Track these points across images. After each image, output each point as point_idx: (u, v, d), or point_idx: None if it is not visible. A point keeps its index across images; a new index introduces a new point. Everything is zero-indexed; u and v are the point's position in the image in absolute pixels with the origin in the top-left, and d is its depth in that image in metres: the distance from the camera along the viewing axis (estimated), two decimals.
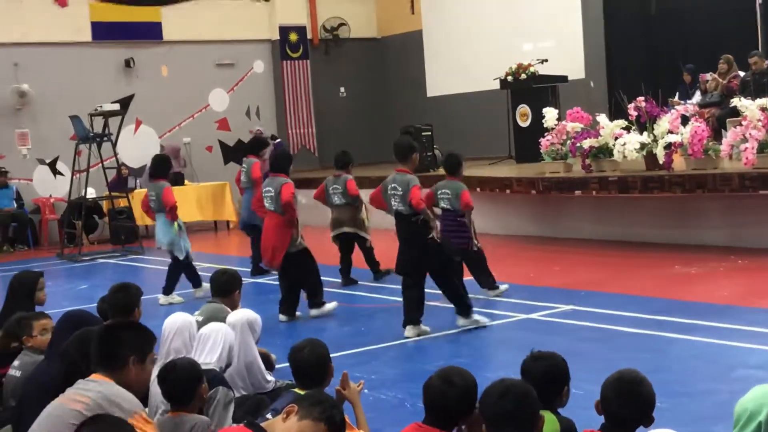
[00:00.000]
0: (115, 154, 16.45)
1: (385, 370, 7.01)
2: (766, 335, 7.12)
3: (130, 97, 19.38)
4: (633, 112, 12.02)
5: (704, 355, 6.80)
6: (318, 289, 9.08)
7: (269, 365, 6.72)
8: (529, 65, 16.31)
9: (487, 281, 9.42)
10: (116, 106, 15.97)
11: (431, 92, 21.11)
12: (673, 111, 11.59)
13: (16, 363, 5.66)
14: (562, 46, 18.07)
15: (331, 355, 4.67)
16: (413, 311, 7.91)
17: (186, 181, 18.81)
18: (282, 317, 9.05)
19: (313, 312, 9.01)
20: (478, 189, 14.19)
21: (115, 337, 3.96)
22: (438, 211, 9.46)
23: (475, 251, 9.28)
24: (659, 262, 10.79)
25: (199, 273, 10.67)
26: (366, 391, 5.80)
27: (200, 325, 6.29)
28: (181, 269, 10.48)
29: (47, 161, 17.70)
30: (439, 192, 9.41)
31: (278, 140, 19.64)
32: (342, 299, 9.71)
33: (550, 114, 13.38)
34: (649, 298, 8.83)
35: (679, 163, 11.65)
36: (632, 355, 6.83)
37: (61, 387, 4.34)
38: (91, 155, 17.01)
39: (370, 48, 22.29)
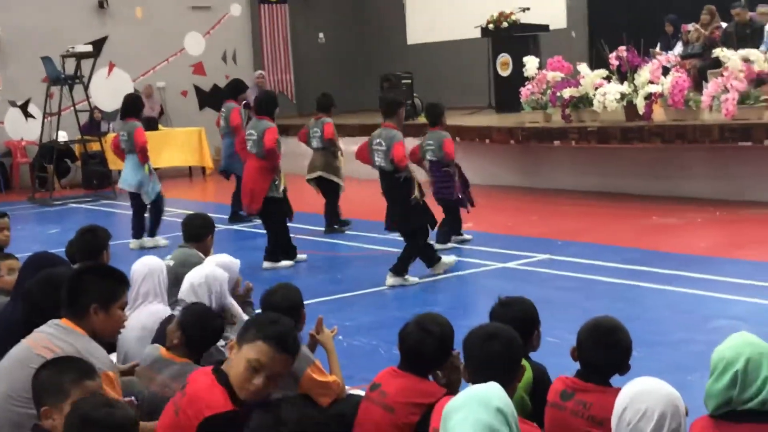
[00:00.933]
0: (88, 98, 16.15)
1: (359, 317, 6.91)
2: (744, 286, 7.07)
3: (104, 39, 18.83)
4: (614, 62, 11.90)
5: (681, 305, 6.76)
6: (279, 244, 8.92)
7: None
8: (511, 13, 16.10)
9: (447, 232, 9.34)
10: (89, 48, 15.66)
11: (411, 40, 20.86)
12: (654, 61, 11.47)
13: None
14: None
15: (306, 302, 4.57)
16: (401, 261, 7.83)
17: (160, 126, 18.55)
18: (266, 264, 8.89)
19: (266, 264, 8.86)
20: (457, 138, 13.95)
21: (79, 283, 3.82)
22: (426, 164, 9.34)
23: (455, 200, 9.18)
24: (638, 212, 10.73)
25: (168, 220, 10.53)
26: (340, 337, 5.73)
27: (171, 269, 6.18)
28: (146, 211, 10.27)
29: (18, 103, 17.36)
30: (424, 144, 9.29)
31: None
32: (321, 247, 9.61)
33: (530, 63, 13.23)
34: (627, 248, 8.77)
35: (659, 114, 11.56)
36: (608, 304, 6.75)
37: (25, 327, 4.23)
38: (63, 98, 16.77)
39: None
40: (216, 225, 6.46)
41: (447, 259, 8.14)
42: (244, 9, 20.47)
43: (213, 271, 5.06)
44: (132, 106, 10.38)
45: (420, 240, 7.88)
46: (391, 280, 7.75)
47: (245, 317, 5.74)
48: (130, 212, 10.61)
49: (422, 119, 16.01)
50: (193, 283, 4.99)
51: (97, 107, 18.24)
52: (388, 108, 7.90)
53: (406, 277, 7.81)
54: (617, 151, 12.04)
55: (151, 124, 18.79)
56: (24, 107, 17.21)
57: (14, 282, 5.35)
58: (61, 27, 18.08)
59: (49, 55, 15.63)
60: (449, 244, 9.30)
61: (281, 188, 8.90)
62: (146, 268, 5.55)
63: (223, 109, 11.92)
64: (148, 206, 10.19)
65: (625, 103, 11.74)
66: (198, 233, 6.45)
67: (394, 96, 8.17)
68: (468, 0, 18.76)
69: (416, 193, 7.68)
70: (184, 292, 5.09)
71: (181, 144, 18.15)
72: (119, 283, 3.93)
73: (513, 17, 16.00)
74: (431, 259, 8.04)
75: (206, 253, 6.50)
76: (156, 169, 18.50)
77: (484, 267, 8.38)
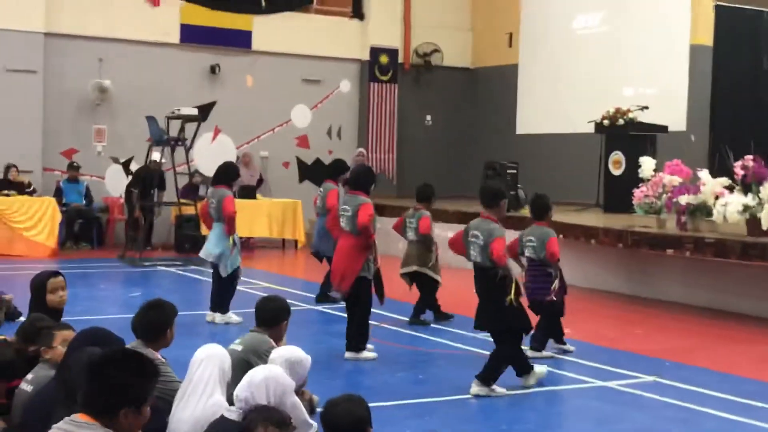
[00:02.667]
0: (188, 161, 15.97)
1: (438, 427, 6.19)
2: None
3: (212, 104, 18.81)
4: (739, 171, 11.08)
5: None
6: (364, 330, 8.30)
7: (310, 408, 6.00)
8: (628, 110, 15.44)
9: (550, 335, 8.58)
10: (194, 111, 15.50)
11: (521, 129, 20.28)
12: None
13: (29, 377, 5.06)
14: (665, 95, 17.11)
15: (382, 404, 3.93)
16: (489, 370, 7.10)
17: (258, 195, 18.29)
18: (348, 354, 8.27)
19: (348, 355, 8.23)
20: (561, 236, 13.25)
21: (108, 379, 3.25)
22: (524, 260, 8.68)
23: (551, 304, 8.45)
24: (754, 337, 9.82)
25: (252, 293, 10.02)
26: None
27: (238, 355, 5.64)
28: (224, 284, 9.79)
29: (121, 160, 17.34)
30: (525, 239, 8.63)
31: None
32: (402, 339, 8.97)
33: (647, 164, 12.51)
34: (742, 378, 7.89)
35: None
36: None
37: (65, 406, 3.75)
38: (165, 160, 16.71)
39: (462, 77, 21.58)
40: (301, 303, 5.96)
41: (539, 369, 7.39)
42: (353, 85, 20.27)
43: (276, 376, 4.47)
44: (224, 173, 9.99)
45: (512, 345, 7.17)
46: (476, 388, 7.03)
47: (310, 422, 5.14)
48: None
49: (525, 212, 15.39)
50: (252, 382, 4.41)
51: (198, 171, 18.13)
52: (490, 198, 7.26)
53: (494, 387, 7.08)
54: (735, 267, 11.13)
55: (249, 193, 18.59)
56: (126, 164, 17.15)
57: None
58: (172, 88, 18.11)
59: (155, 116, 15.50)
60: (545, 353, 8.54)
61: (372, 267, 8.33)
62: (205, 354, 5.00)
63: (321, 189, 11.45)
64: (221, 279, 9.70)
65: (747, 216, 10.90)
66: (272, 318, 5.89)
67: (497, 185, 7.52)
68: (584, 94, 18.17)
69: (512, 294, 6.99)
70: (242, 388, 4.51)
71: (276, 215, 17.82)
72: (153, 377, 3.36)
73: (630, 115, 15.34)
74: (523, 368, 7.30)
75: (278, 340, 5.96)
76: (249, 239, 18.57)
77: (581, 384, 7.59)
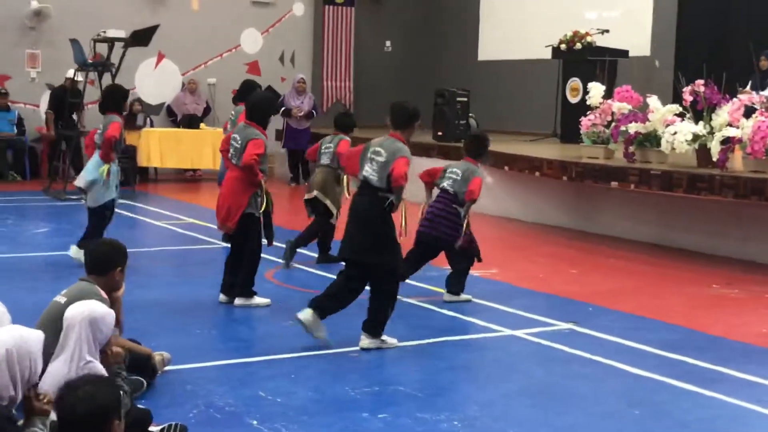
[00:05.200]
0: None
1: (297, 390, 5.40)
2: None
3: (154, 28, 17.83)
4: (688, 97, 10.25)
5: (721, 423, 5.10)
6: (253, 273, 7.49)
7: (147, 368, 5.25)
8: (587, 34, 14.54)
9: (454, 285, 7.79)
10: (121, 33, 14.51)
11: (483, 56, 19.33)
12: (735, 100, 9.77)
13: None
14: (629, 18, 16.17)
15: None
16: (373, 318, 6.30)
17: (202, 125, 17.42)
18: (222, 298, 7.51)
19: (238, 302, 7.44)
20: (506, 167, 12.57)
21: None
22: (435, 192, 7.88)
23: (460, 249, 7.68)
24: (696, 276, 9.08)
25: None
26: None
27: (60, 308, 4.83)
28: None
29: (56, 86, 16.44)
30: (450, 170, 7.82)
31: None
32: (312, 283, 8.20)
33: (595, 90, 11.63)
34: (670, 325, 7.13)
35: (736, 163, 9.87)
36: (619, 408, 5.19)
37: None
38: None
39: (423, 1, 20.52)
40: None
41: (391, 340, 6.36)
42: (307, 8, 19.28)
43: (26, 337, 3.67)
44: (110, 97, 9.00)
45: (394, 284, 6.34)
46: (366, 341, 6.26)
47: None
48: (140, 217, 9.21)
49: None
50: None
51: (139, 99, 17.25)
52: (401, 118, 6.38)
53: (384, 338, 6.31)
54: (685, 201, 10.36)
55: (194, 122, 17.73)
56: (59, 91, 16.25)
57: None
58: (111, 11, 17.11)
59: (77, 39, 14.52)
60: (463, 296, 7.79)
61: (263, 207, 7.51)
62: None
63: (233, 112, 10.57)
64: (88, 211, 8.81)
65: (697, 146, 10.10)
66: (102, 264, 5.08)
67: (411, 106, 6.61)
68: (546, 18, 17.21)
69: (403, 224, 6.18)
70: None
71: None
72: None
73: (588, 38, 14.44)
74: (379, 324, 6.44)
75: (114, 290, 5.16)
76: (195, 171, 17.71)
77: (487, 333, 6.82)
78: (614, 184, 10.56)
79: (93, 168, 8.70)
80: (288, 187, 16.47)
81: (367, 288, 6.36)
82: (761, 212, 9.73)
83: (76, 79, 14.99)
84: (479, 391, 5.44)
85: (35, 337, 3.71)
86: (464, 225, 7.62)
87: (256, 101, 7.67)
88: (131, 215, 12.38)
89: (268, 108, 7.70)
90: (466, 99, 14.67)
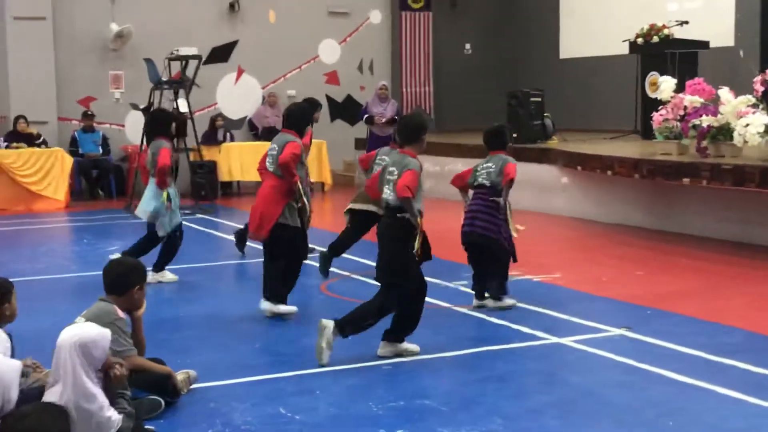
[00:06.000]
0: (186, 101, 15.19)
1: (319, 407, 5.30)
2: None
3: (233, 44, 18.06)
4: (758, 87, 9.80)
5: (761, 429, 4.80)
6: (288, 281, 7.41)
7: (167, 387, 5.23)
8: (663, 27, 14.09)
9: (495, 289, 7.57)
10: (194, 50, 14.71)
11: (564, 54, 18.98)
12: None
13: None
14: (710, 7, 15.64)
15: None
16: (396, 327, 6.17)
17: None
18: (264, 305, 7.44)
19: (264, 306, 7.34)
20: (579, 168, 12.25)
21: None
22: (470, 194, 7.72)
23: (503, 248, 7.48)
24: (766, 274, 8.65)
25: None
26: None
27: None
28: (157, 244, 8.91)
29: (141, 106, 16.75)
30: (481, 166, 7.66)
31: None
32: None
33: (666, 84, 11.26)
34: (729, 327, 6.79)
35: None
36: (652, 418, 4.94)
37: None
38: (191, 104, 16.11)
39: (501, 2, 20.26)
40: None
41: (412, 346, 6.23)
42: (384, 16, 19.18)
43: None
44: (157, 122, 9.04)
45: (414, 304, 6.19)
46: (383, 348, 6.15)
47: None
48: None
49: (552, 143, 14.25)
50: None
51: (221, 114, 17.46)
52: (408, 132, 6.25)
53: (404, 345, 6.18)
54: (758, 196, 9.90)
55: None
56: (146, 111, 16.56)
57: None
58: (189, 29, 17.38)
59: (152, 57, 14.78)
60: (508, 300, 7.59)
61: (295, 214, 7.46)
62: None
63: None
64: (163, 240, 8.88)
65: None
66: (120, 284, 5.09)
67: (420, 118, 6.47)
68: (627, 12, 16.77)
69: (417, 243, 6.01)
70: None
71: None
72: None
73: (665, 31, 14.00)
74: (401, 332, 6.26)
75: (134, 309, 5.17)
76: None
77: (532, 341, 6.61)
78: (686, 180, 10.17)
79: (151, 197, 8.78)
80: None
81: None
82: None
83: (152, 98, 15.24)
84: (508, 403, 5.24)
85: (11, 367, 3.71)
86: (508, 214, 7.44)
87: (292, 109, 7.65)
88: (205, 230, 12.50)
89: (302, 114, 7.65)
90: (540, 99, 14.37)
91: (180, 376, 5.41)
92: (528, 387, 5.58)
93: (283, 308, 7.31)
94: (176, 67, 14.97)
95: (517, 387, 5.59)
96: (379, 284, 6.24)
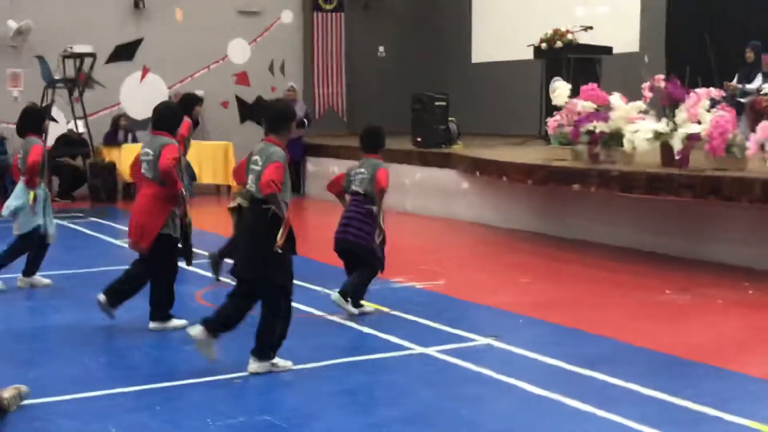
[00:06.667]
0: (81, 103, 14.80)
1: (151, 424, 5.08)
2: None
3: (138, 42, 17.78)
4: (647, 93, 9.79)
5: None
6: (169, 296, 7.15)
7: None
8: (567, 32, 14.10)
9: (356, 295, 7.40)
10: (88, 48, 14.31)
11: (476, 58, 18.95)
12: (692, 94, 9.28)
13: None
14: (617, 13, 15.71)
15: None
16: (262, 340, 5.92)
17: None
18: (152, 325, 7.12)
19: (153, 325, 7.08)
20: (477, 173, 12.15)
21: None
22: (347, 198, 7.56)
23: (372, 254, 7.32)
24: (651, 282, 8.60)
25: None
26: None
27: None
28: (21, 246, 8.51)
29: (41, 105, 16.29)
30: (354, 171, 7.49)
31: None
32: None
33: (561, 89, 11.24)
34: (597, 337, 6.69)
35: (699, 161, 9.39)
36: None
37: None
38: (91, 102, 15.78)
39: (416, 3, 20.15)
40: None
41: (284, 363, 5.96)
42: (296, 16, 19.02)
43: None
44: (28, 119, 8.70)
45: (284, 301, 5.96)
46: (254, 365, 5.90)
47: None
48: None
49: (458, 148, 14.12)
50: None
51: (125, 114, 17.12)
52: (274, 118, 6.00)
53: (275, 360, 5.95)
54: (649, 202, 9.88)
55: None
56: (46, 110, 16.11)
57: None
58: (93, 26, 16.94)
59: (53, 55, 14.36)
60: (368, 306, 7.44)
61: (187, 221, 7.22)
62: None
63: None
64: (14, 238, 8.53)
65: (658, 144, 9.64)
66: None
67: (284, 104, 6.25)
68: (538, 16, 16.77)
69: (281, 237, 5.76)
70: None
71: (208, 160, 16.63)
72: None
73: (570, 36, 14.00)
74: (268, 346, 5.96)
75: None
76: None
77: (397, 351, 6.42)
78: (576, 186, 10.12)
79: (18, 194, 8.46)
80: None
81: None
82: (722, 212, 9.22)
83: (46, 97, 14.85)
84: (350, 419, 5.04)
85: None
86: (379, 222, 7.28)
87: (161, 108, 7.35)
88: (97, 235, 12.12)
89: (172, 114, 7.35)
90: (445, 103, 14.26)
91: (9, 392, 5.12)
92: (377, 401, 5.38)
93: (175, 322, 7.02)
94: (71, 65, 14.55)
95: (366, 401, 5.40)
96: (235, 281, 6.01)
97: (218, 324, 5.92)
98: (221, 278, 8.51)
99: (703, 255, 9.47)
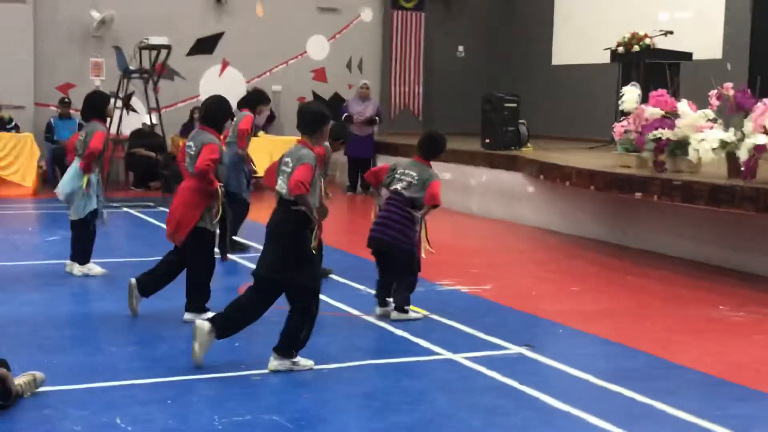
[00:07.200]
0: (155, 93, 14.97)
1: (158, 419, 5.07)
2: None
3: (219, 36, 17.98)
4: (714, 101, 9.44)
5: None
6: (204, 289, 7.15)
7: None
8: (645, 36, 13.71)
9: (401, 300, 7.26)
10: (165, 40, 14.50)
11: (556, 60, 18.63)
12: (760, 104, 8.92)
13: None
14: (700, 19, 15.25)
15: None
16: (287, 338, 5.87)
17: (261, 133, 17.26)
18: (188, 316, 7.11)
19: (187, 317, 7.06)
20: (541, 177, 11.92)
21: None
22: (384, 192, 7.44)
23: (411, 256, 7.20)
24: (706, 296, 8.30)
25: None
26: None
27: None
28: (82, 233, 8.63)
29: (121, 95, 16.59)
30: (400, 171, 7.36)
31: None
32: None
33: (629, 95, 10.89)
34: (635, 352, 6.46)
35: (767, 173, 9.04)
36: None
37: None
38: (171, 94, 16.01)
39: (497, 3, 19.91)
40: None
41: (305, 362, 5.91)
42: (375, 14, 18.97)
43: None
44: (92, 104, 8.73)
45: (312, 305, 5.90)
46: (275, 362, 5.85)
47: None
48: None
49: (527, 150, 13.89)
50: None
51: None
52: (307, 121, 5.96)
53: (296, 359, 5.88)
54: (714, 214, 9.54)
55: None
56: (126, 100, 16.43)
57: None
58: (174, 19, 17.19)
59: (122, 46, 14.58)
60: (413, 313, 7.31)
61: (217, 218, 7.22)
62: None
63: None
64: (71, 224, 8.64)
65: (723, 154, 9.29)
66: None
67: (319, 107, 6.19)
68: (619, 20, 16.38)
69: (314, 238, 5.74)
70: None
71: (280, 154, 16.65)
72: None
73: (647, 41, 13.62)
74: (292, 344, 5.94)
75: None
76: (256, 178, 17.64)
77: (424, 356, 6.30)
78: (638, 195, 9.83)
79: (71, 179, 8.55)
80: (345, 196, 16.16)
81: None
82: None
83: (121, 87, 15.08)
84: (359, 423, 4.95)
85: None
86: (420, 231, 7.16)
87: (209, 103, 7.37)
88: (157, 223, 12.26)
89: (219, 111, 7.34)
90: (515, 105, 14.03)
91: (24, 378, 5.16)
92: (390, 406, 5.26)
93: (208, 315, 7.03)
94: (146, 56, 14.76)
95: (379, 405, 5.28)
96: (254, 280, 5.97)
97: (227, 322, 5.85)
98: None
99: (760, 270, 9.10)
